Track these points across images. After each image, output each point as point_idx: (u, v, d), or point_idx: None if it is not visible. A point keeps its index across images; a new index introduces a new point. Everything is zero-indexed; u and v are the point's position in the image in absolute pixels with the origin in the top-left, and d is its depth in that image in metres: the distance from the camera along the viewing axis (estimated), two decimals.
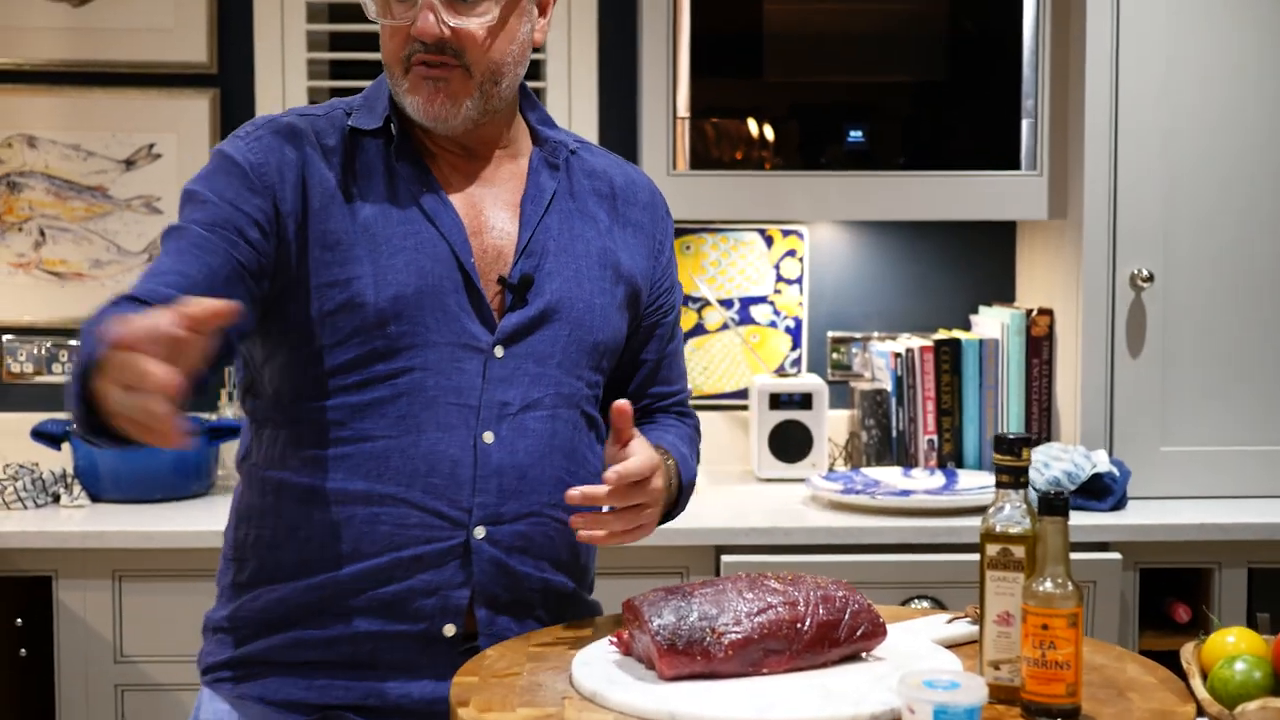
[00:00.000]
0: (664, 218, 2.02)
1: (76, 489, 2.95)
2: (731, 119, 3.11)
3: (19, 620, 2.86)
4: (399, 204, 1.81)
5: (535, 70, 3.31)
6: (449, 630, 1.79)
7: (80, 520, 2.83)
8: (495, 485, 1.80)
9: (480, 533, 1.79)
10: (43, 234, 3.31)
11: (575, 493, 1.69)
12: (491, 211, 1.87)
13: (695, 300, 3.42)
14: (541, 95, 3.30)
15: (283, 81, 3.26)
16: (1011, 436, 1.60)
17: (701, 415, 3.34)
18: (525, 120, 1.94)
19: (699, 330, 3.42)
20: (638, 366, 2.00)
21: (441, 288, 1.79)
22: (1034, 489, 2.82)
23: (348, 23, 3.29)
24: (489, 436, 1.80)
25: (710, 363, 3.42)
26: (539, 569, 1.84)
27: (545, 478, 1.81)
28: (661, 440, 1.93)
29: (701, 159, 3.10)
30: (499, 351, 1.81)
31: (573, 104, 3.31)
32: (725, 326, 3.41)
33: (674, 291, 2.03)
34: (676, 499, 1.93)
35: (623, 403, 1.72)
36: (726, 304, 3.41)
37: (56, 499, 2.96)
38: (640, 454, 1.72)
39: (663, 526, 2.90)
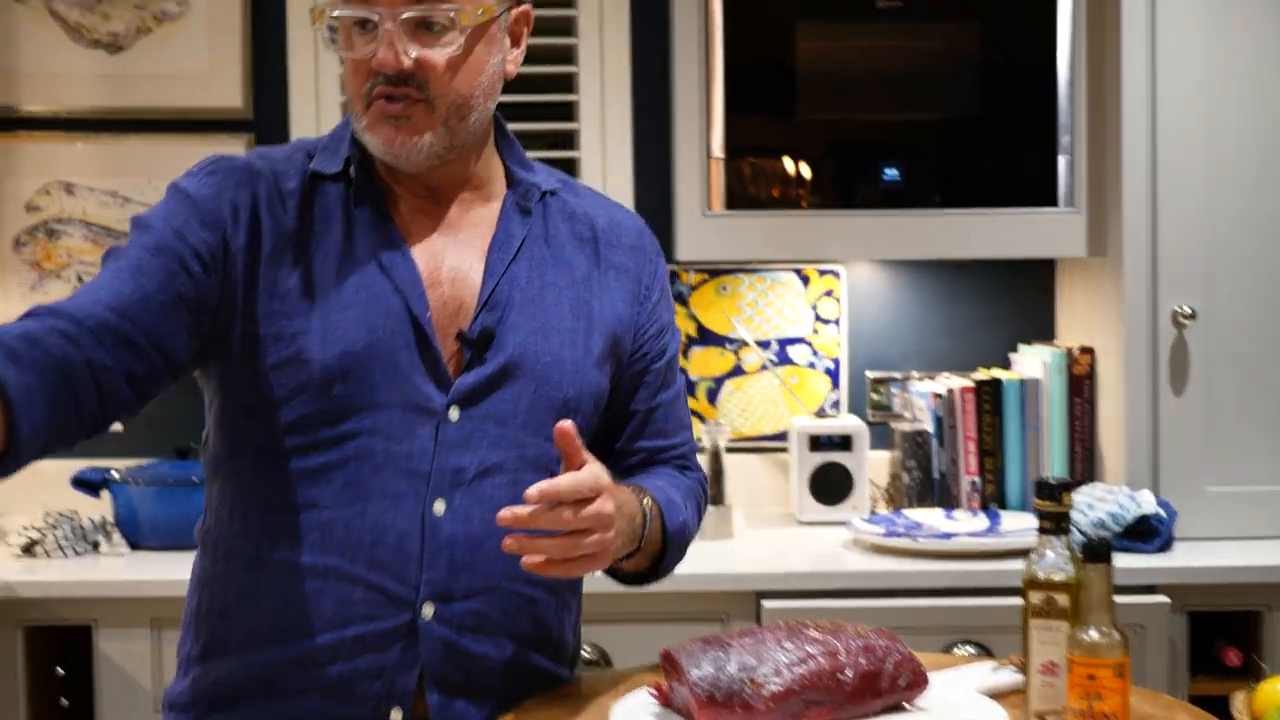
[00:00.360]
0: (653, 259, 1.89)
1: (116, 537, 2.95)
2: (766, 158, 3.10)
3: (60, 670, 2.86)
4: (354, 255, 1.70)
5: (567, 111, 3.31)
6: (395, 716, 1.67)
7: (119, 569, 2.83)
8: (446, 559, 1.67)
9: (428, 611, 1.67)
10: (80, 280, 3.32)
11: (505, 513, 1.53)
12: (455, 260, 1.75)
13: (732, 342, 3.40)
14: (575, 136, 3.30)
15: (317, 126, 3.26)
16: (1053, 481, 1.57)
17: (740, 458, 3.35)
18: (502, 161, 1.83)
19: (737, 372, 3.40)
20: (627, 418, 1.86)
21: (393, 345, 1.67)
22: (1078, 531, 2.79)
23: None
24: (440, 506, 1.68)
25: (749, 405, 3.40)
26: (498, 647, 1.71)
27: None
28: (645, 483, 1.79)
29: (737, 199, 3.09)
30: (454, 414, 1.69)
31: (606, 145, 3.30)
32: (764, 368, 3.39)
33: (665, 337, 1.88)
34: (663, 550, 1.79)
35: (564, 423, 1.57)
36: (764, 345, 3.39)
37: (96, 547, 2.95)
38: (581, 473, 1.56)
39: (700, 571, 2.86)
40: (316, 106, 3.27)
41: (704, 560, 2.84)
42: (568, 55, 3.31)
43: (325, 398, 1.65)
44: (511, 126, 1.86)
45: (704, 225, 3.08)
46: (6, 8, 3.30)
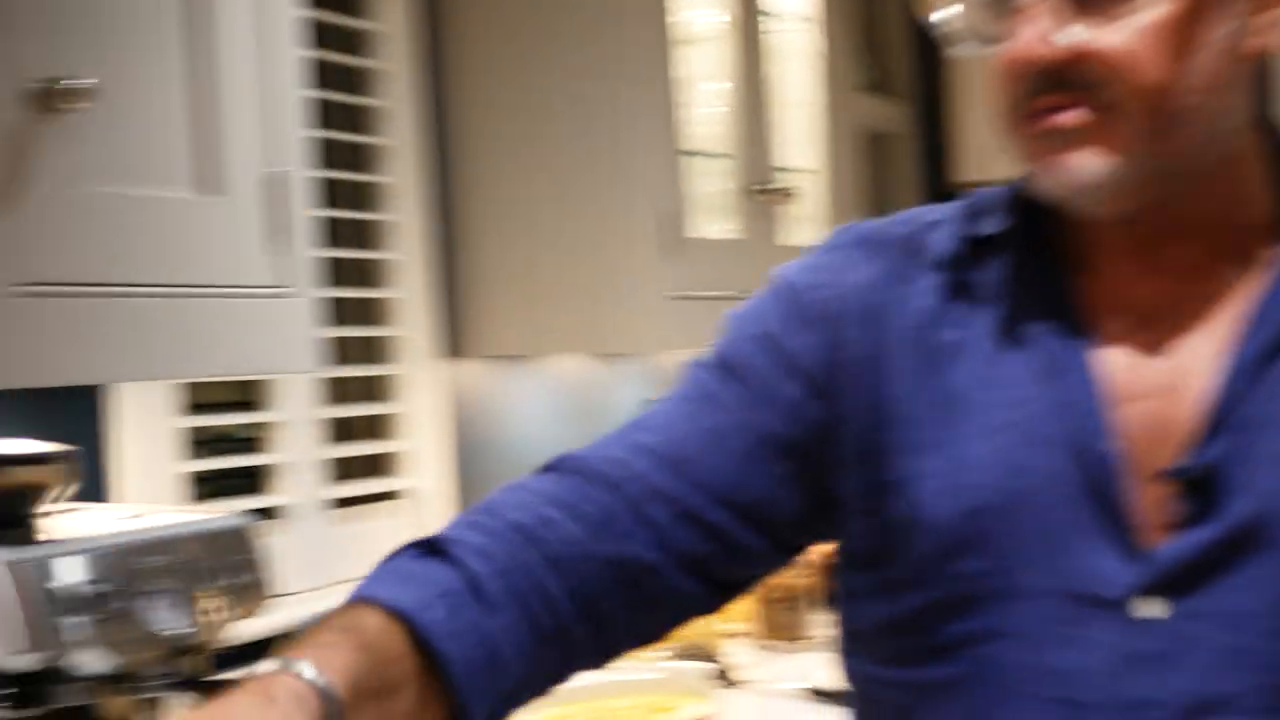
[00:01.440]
0: None
1: None
2: None
3: None
4: (1012, 354, 1.08)
5: None
6: None
7: None
8: None
9: None
10: None
11: None
12: (1172, 356, 1.06)
13: None
14: None
15: None
16: None
17: None
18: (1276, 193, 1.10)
19: None
20: None
21: (1048, 497, 1.04)
22: None
23: None
24: None
25: None
26: None
27: None
28: None
29: None
30: (1149, 607, 1.02)
31: None
32: None
33: None
34: None
35: None
36: None
37: None
38: None
39: None
40: None
41: None
42: None
43: (943, 578, 1.07)
44: None
45: None
46: None
